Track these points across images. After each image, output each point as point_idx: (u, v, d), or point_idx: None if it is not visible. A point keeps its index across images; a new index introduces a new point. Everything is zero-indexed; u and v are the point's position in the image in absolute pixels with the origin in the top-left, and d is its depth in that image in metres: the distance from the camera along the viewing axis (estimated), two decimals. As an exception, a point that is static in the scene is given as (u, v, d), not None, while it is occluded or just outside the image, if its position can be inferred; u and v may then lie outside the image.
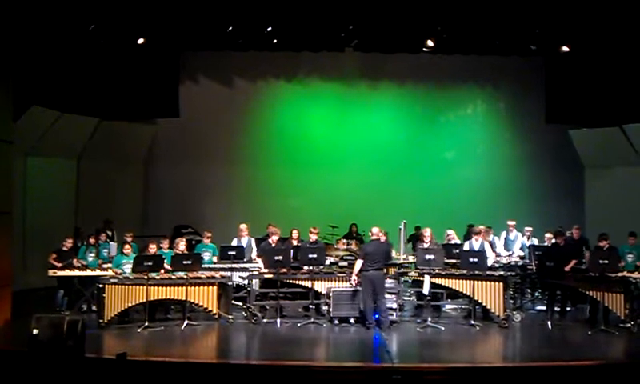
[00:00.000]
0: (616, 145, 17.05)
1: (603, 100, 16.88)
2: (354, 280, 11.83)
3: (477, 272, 11.93)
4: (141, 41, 15.79)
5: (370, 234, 12.36)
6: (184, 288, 11.84)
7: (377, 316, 11.77)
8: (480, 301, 12.03)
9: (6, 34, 12.25)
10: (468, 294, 12.04)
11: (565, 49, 16.31)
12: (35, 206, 15.88)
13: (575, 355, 10.00)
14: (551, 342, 11.12)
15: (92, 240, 13.60)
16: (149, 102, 17.71)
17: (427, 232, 12.70)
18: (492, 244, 13.55)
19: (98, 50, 15.80)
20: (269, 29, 16.14)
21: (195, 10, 14.96)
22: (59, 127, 16.01)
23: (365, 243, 13.89)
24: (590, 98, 17.15)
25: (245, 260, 13.30)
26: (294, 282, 12.43)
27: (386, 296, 11.87)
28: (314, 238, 13.12)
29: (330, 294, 12.09)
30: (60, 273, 12.76)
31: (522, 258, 13.68)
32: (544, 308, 12.96)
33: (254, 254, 13.63)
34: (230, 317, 12.18)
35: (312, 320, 12.03)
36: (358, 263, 11.84)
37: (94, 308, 12.54)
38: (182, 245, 12.74)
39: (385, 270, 12.11)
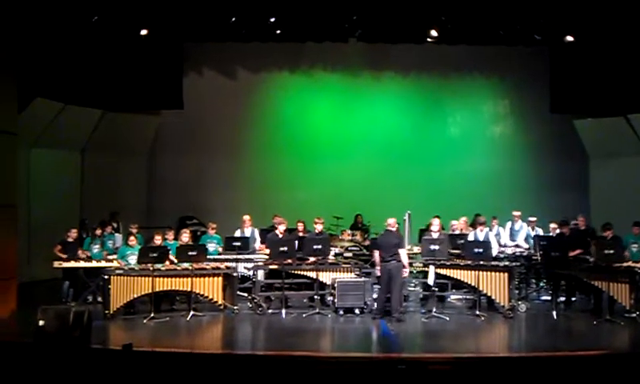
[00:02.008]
0: (621, 135, 17.02)
1: (608, 90, 16.82)
2: (378, 269, 11.89)
3: (482, 262, 11.93)
4: (144, 32, 15.77)
5: (385, 224, 12.28)
6: (189, 279, 11.87)
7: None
8: (485, 291, 12.04)
9: (10, 26, 12.25)
10: (473, 284, 12.04)
11: (569, 38, 16.26)
12: (40, 198, 15.89)
13: (580, 345, 10.00)
14: (556, 332, 11.13)
15: (98, 232, 13.63)
16: (153, 94, 17.70)
17: (436, 221, 12.69)
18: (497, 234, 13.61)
19: (102, 42, 15.78)
20: (272, 19, 16.11)
21: (198, 1, 14.94)
22: (63, 119, 16.03)
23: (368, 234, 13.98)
24: (595, 87, 17.09)
25: (249, 251, 13.33)
26: (299, 272, 12.45)
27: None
28: (319, 228, 13.10)
29: (335, 285, 12.11)
30: (65, 264, 12.81)
31: (526, 248, 13.67)
32: (549, 298, 12.98)
33: (257, 245, 13.65)
34: (235, 307, 12.21)
35: (317, 311, 12.06)
36: (375, 254, 11.97)
37: (99, 299, 12.58)
38: (185, 236, 12.75)
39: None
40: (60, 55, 15.17)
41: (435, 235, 12.38)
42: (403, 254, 11.65)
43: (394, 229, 11.92)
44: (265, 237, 13.46)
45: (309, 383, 8.43)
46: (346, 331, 11.30)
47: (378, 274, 11.96)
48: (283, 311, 12.02)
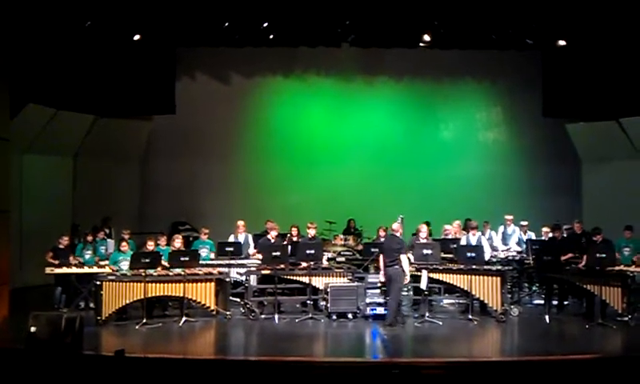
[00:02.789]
0: (613, 138, 17.05)
1: (600, 94, 16.88)
2: (382, 275, 11.85)
3: (474, 267, 11.93)
4: (137, 37, 15.77)
5: (389, 229, 12.27)
6: (182, 284, 11.84)
7: (374, 311, 11.86)
8: (477, 295, 12.03)
9: (2, 32, 12.22)
10: (465, 288, 12.04)
11: (562, 43, 16.31)
12: (32, 204, 15.83)
13: (573, 349, 10.00)
14: (549, 336, 11.14)
15: (89, 237, 13.59)
16: (145, 99, 17.68)
17: (423, 228, 12.64)
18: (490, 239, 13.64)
19: (94, 47, 15.77)
20: (265, 24, 16.12)
21: (191, 6, 14.95)
22: (55, 125, 15.98)
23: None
24: (587, 91, 17.15)
25: (242, 256, 13.32)
26: (291, 277, 12.44)
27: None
28: (312, 232, 13.07)
29: (328, 290, 12.09)
30: (57, 270, 12.74)
31: (519, 252, 13.69)
32: (541, 302, 13.00)
33: (251, 250, 13.63)
34: (227, 313, 12.18)
35: (310, 315, 12.03)
36: (380, 258, 11.95)
37: (91, 305, 12.53)
38: (177, 241, 12.72)
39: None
40: (52, 61, 15.14)
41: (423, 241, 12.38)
42: (404, 259, 11.52)
43: (397, 233, 11.87)
44: (257, 242, 13.46)
45: (302, 388, 8.45)
46: (339, 336, 11.29)
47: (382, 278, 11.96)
48: (276, 316, 12.00)
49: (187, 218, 17.98)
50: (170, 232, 15.56)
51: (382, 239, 13.99)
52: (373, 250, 13.28)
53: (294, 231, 13.58)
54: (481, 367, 9.20)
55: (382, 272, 11.82)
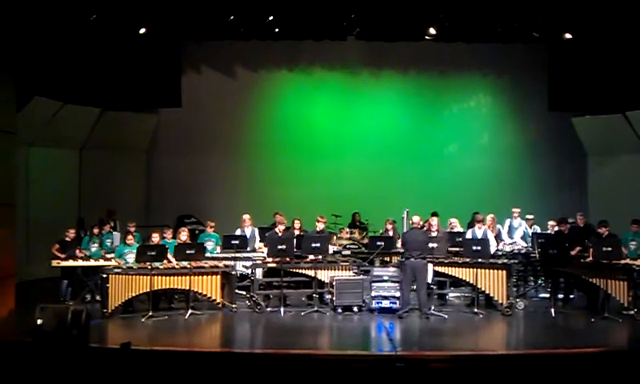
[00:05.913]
0: (619, 132, 17.00)
1: (606, 87, 16.80)
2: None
3: (480, 260, 11.92)
4: (142, 30, 15.76)
5: (410, 222, 12.34)
6: (187, 277, 11.86)
7: (379, 304, 11.91)
8: (483, 289, 12.03)
9: (8, 24, 12.23)
10: (471, 282, 12.04)
11: (568, 36, 16.24)
12: (38, 197, 15.87)
13: (578, 342, 10.00)
14: (554, 329, 11.13)
15: (95, 230, 13.62)
16: (151, 92, 17.67)
17: (434, 221, 12.62)
18: (499, 233, 13.62)
19: (100, 41, 15.76)
20: (270, 18, 16.09)
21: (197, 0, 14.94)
22: (62, 118, 16.00)
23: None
24: (593, 85, 17.07)
25: (248, 249, 13.33)
26: (297, 271, 12.45)
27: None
28: (320, 226, 13.06)
29: (334, 283, 12.11)
30: (64, 263, 12.79)
31: (525, 246, 13.67)
32: (547, 295, 12.98)
33: (257, 244, 13.65)
34: (233, 306, 12.21)
35: (315, 309, 12.05)
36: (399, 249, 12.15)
37: (97, 298, 12.58)
38: (183, 234, 12.74)
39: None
40: (58, 54, 15.13)
41: (434, 234, 12.35)
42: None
43: (419, 226, 11.97)
44: (264, 236, 13.46)
45: (307, 381, 8.44)
46: (344, 329, 11.30)
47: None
48: (282, 309, 12.02)
49: (193, 211, 18.00)
50: (175, 225, 15.60)
51: (390, 232, 14.09)
52: (378, 243, 13.28)
53: (297, 224, 13.58)
54: (486, 360, 9.21)
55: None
